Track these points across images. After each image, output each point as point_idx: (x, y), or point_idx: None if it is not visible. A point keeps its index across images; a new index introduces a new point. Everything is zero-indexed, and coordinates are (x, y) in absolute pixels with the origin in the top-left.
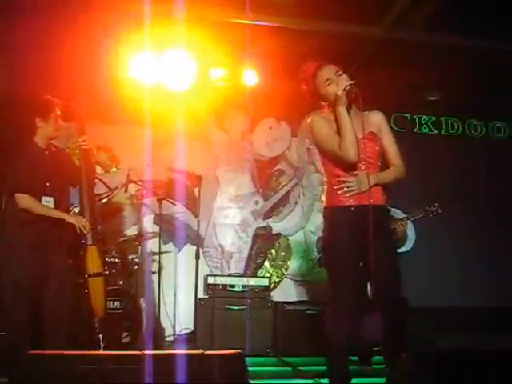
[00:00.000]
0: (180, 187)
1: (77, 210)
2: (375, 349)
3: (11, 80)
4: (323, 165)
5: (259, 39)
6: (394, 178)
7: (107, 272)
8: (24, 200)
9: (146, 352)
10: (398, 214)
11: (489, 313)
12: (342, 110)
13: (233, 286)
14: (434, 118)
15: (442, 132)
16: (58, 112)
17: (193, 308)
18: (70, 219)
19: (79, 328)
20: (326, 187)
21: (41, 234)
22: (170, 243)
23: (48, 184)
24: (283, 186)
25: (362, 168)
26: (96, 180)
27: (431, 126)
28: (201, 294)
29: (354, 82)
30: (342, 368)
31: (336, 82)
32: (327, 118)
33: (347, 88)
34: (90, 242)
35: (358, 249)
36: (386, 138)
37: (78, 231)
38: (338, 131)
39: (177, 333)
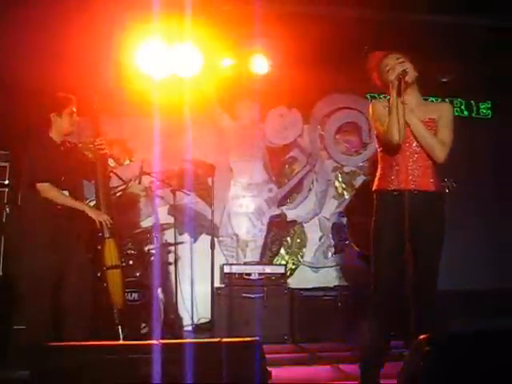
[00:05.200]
0: (193, 177)
1: (92, 203)
2: (392, 333)
3: (25, 75)
4: (378, 149)
5: (269, 26)
6: (428, 141)
7: (124, 264)
8: (46, 189)
9: (165, 341)
10: None
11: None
12: (393, 95)
13: (249, 274)
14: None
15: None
16: (74, 109)
17: (210, 297)
18: (91, 213)
19: (99, 320)
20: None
21: (59, 228)
22: (185, 234)
23: (63, 178)
24: (296, 173)
25: (415, 149)
26: (111, 173)
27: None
28: (217, 283)
29: (405, 69)
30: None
31: (394, 69)
32: (386, 103)
33: (398, 74)
34: (107, 235)
35: (399, 236)
36: (442, 125)
37: (98, 226)
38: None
39: (194, 322)
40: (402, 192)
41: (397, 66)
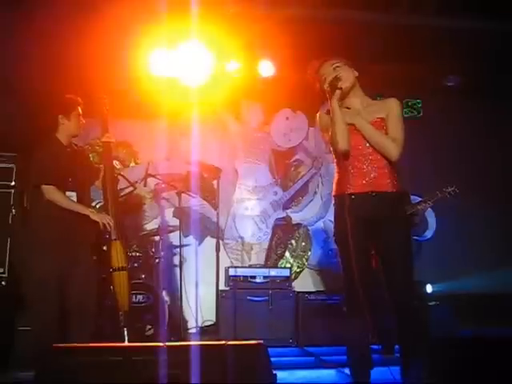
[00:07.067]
0: (199, 180)
1: (98, 205)
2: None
3: (33, 78)
4: (333, 155)
5: (275, 30)
6: (379, 141)
7: (129, 266)
8: (50, 191)
9: (169, 344)
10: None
11: None
12: (331, 102)
13: (254, 277)
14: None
15: None
16: (80, 110)
17: (215, 300)
18: (94, 217)
19: (104, 322)
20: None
21: (65, 229)
22: (191, 236)
23: (70, 179)
24: (302, 176)
25: (368, 151)
26: (118, 176)
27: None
28: (222, 286)
29: (337, 75)
30: (363, 355)
31: (328, 77)
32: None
33: (330, 82)
34: (114, 237)
35: (362, 238)
36: (390, 122)
37: (102, 228)
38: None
39: (199, 325)
40: (360, 195)
41: (333, 72)
